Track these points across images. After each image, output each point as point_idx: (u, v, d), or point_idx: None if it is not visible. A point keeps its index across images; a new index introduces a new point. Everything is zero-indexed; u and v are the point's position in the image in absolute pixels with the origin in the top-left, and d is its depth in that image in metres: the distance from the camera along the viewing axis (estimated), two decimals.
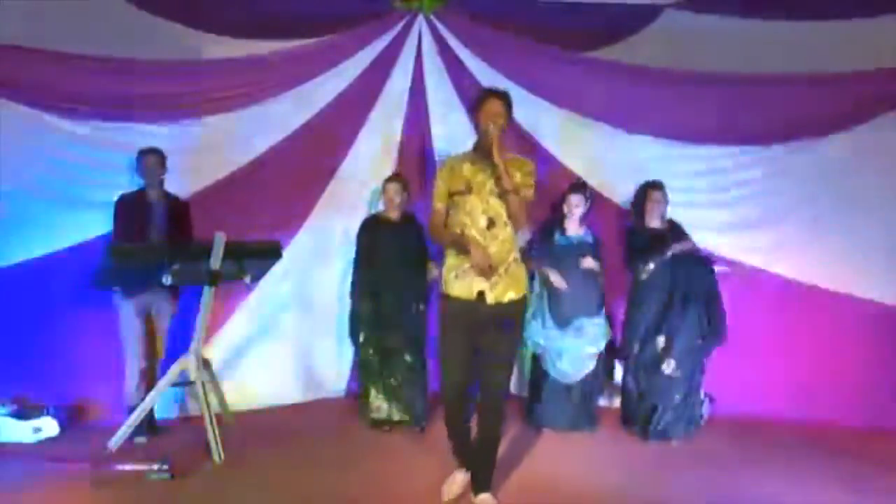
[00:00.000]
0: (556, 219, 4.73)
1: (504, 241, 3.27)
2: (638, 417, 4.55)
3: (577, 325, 4.56)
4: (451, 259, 3.36)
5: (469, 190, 3.28)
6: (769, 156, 4.91)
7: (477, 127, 3.33)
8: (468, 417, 3.56)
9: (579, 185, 4.73)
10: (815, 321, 4.83)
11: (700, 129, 4.94)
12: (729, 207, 4.96)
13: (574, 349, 4.57)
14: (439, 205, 3.37)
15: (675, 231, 4.66)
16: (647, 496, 3.63)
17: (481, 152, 3.31)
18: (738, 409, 4.69)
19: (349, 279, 4.75)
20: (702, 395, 4.59)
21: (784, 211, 4.91)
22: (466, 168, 3.32)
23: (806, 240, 4.87)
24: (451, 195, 3.32)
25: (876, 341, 4.76)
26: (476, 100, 3.36)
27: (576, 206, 4.63)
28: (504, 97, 3.31)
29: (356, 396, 4.84)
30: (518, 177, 3.26)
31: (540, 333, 4.63)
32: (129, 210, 4.29)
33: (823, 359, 4.80)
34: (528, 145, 4.98)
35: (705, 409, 4.60)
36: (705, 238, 4.82)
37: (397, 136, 5.29)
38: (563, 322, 4.57)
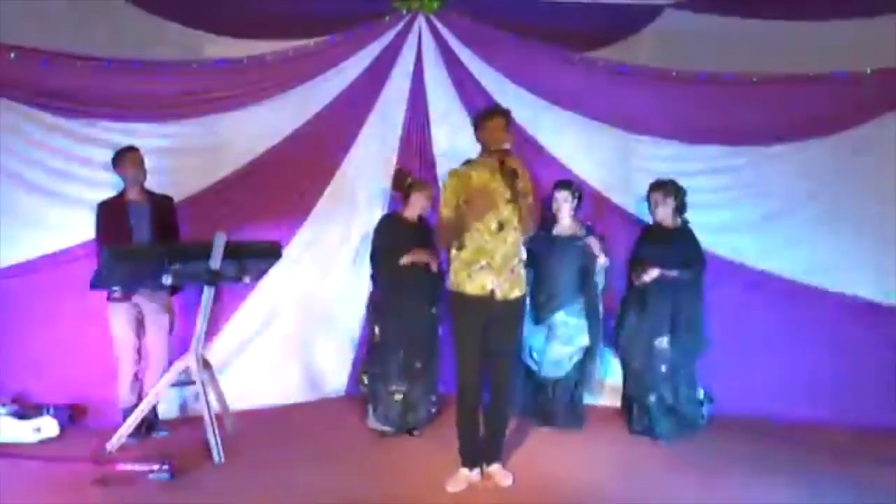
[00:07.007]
0: (548, 217, 4.70)
1: (511, 244, 3.60)
2: (630, 413, 4.56)
3: (549, 322, 4.55)
4: (462, 259, 3.58)
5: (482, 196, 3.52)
6: (769, 156, 4.90)
7: (479, 138, 3.60)
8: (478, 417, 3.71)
9: (565, 182, 4.72)
10: (815, 321, 4.82)
11: (700, 129, 4.94)
12: (729, 207, 4.95)
13: (549, 349, 4.56)
14: (448, 212, 3.59)
15: (678, 239, 4.57)
16: (646, 496, 3.63)
17: (489, 163, 3.55)
18: (738, 409, 4.68)
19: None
20: (700, 396, 4.59)
21: (784, 211, 4.90)
22: (475, 178, 3.57)
23: (806, 240, 4.86)
24: (458, 204, 3.55)
25: (876, 341, 4.75)
26: (481, 115, 3.64)
27: (564, 202, 4.61)
28: (507, 115, 3.60)
29: (361, 398, 4.75)
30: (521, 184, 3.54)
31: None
32: (112, 214, 4.24)
33: (823, 359, 4.79)
34: (529, 146, 4.98)
35: (705, 409, 4.59)
36: (705, 238, 4.80)
37: (397, 136, 5.29)
38: (539, 317, 4.56)
